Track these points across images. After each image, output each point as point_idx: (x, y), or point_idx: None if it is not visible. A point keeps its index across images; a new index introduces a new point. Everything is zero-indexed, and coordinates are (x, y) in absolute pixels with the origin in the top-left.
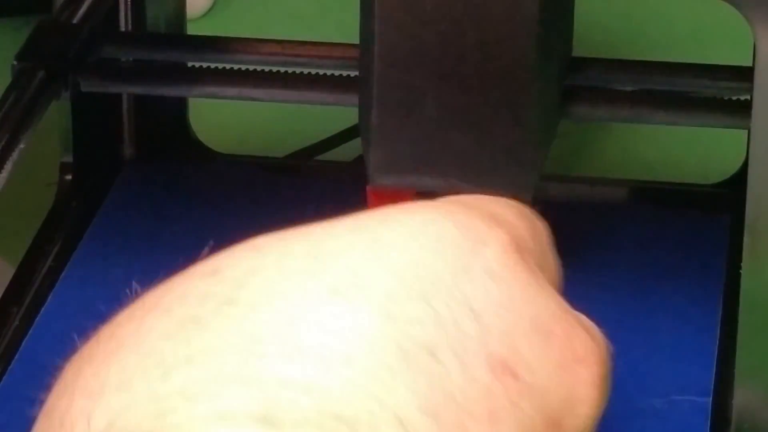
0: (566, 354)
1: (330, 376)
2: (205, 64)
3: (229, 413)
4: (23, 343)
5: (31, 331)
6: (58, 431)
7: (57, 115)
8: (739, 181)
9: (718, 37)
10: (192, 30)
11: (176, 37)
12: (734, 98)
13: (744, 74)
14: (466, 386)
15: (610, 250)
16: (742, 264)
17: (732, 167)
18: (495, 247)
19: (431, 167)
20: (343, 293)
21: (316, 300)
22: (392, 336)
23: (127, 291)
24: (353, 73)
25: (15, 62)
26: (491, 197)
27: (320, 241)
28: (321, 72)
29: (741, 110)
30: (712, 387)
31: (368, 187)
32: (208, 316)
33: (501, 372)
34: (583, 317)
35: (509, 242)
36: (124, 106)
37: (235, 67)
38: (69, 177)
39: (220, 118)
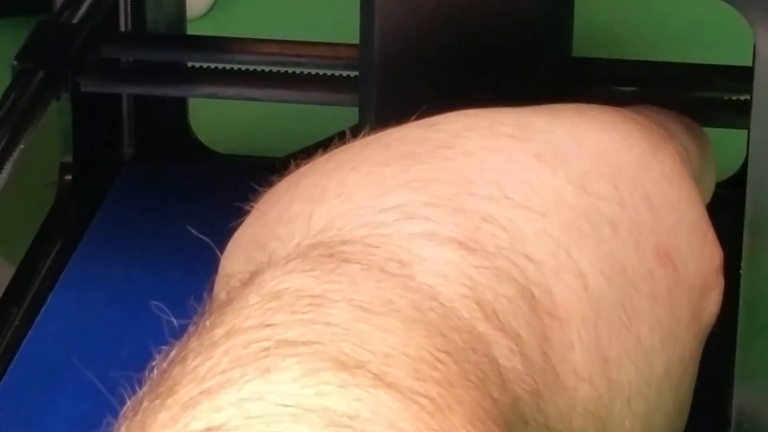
0: (712, 259)
1: (528, 222)
2: (205, 64)
3: (435, 234)
4: (23, 343)
5: (31, 331)
6: (273, 227)
7: (57, 115)
8: (739, 181)
9: (718, 37)
10: (192, 30)
11: (176, 37)
12: (734, 98)
13: (744, 74)
14: (636, 264)
15: None
16: (741, 264)
17: (732, 167)
18: (669, 155)
19: None
20: (546, 161)
21: (522, 160)
22: (584, 205)
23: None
24: (353, 73)
25: (15, 62)
26: (666, 111)
27: (526, 116)
28: (321, 72)
29: (741, 110)
30: (712, 387)
31: None
32: (426, 154)
33: (664, 260)
34: None
35: (678, 154)
36: (124, 106)
37: (235, 67)
38: (69, 177)
39: (220, 118)
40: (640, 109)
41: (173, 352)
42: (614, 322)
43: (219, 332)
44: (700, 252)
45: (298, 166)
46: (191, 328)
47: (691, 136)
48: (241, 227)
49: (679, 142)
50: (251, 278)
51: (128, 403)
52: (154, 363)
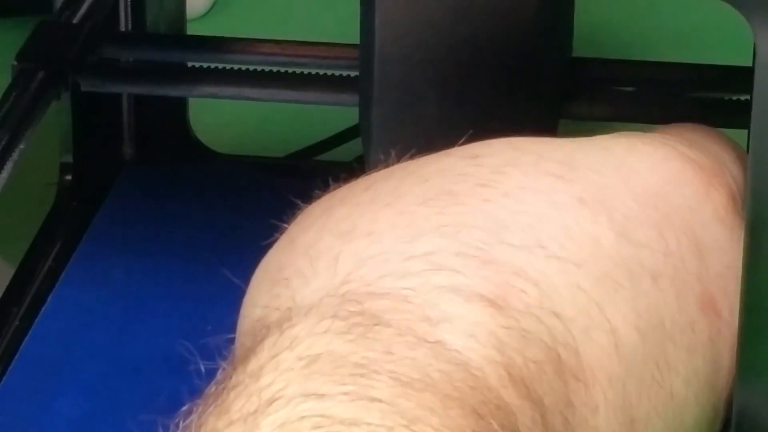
0: None
1: (561, 275)
2: (205, 64)
3: (462, 289)
4: (23, 343)
5: (31, 331)
6: (299, 260)
7: (57, 115)
8: None
9: (718, 37)
10: (192, 30)
11: (176, 37)
12: (734, 98)
13: (744, 74)
14: (675, 316)
15: None
16: (742, 264)
17: None
18: (722, 193)
19: None
20: (589, 205)
21: (563, 204)
22: (624, 255)
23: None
24: (353, 73)
25: (15, 62)
26: (711, 131)
27: (574, 152)
28: (321, 72)
29: (741, 110)
30: None
31: None
32: (463, 193)
33: (707, 310)
34: None
35: (730, 190)
36: (124, 106)
37: (235, 67)
38: (69, 177)
39: (220, 118)
40: (687, 131)
41: (208, 409)
42: (645, 379)
43: (262, 397)
44: None
45: (350, 185)
46: (221, 376)
47: (737, 161)
48: (270, 251)
49: (730, 174)
50: (278, 326)
51: None
52: (182, 417)
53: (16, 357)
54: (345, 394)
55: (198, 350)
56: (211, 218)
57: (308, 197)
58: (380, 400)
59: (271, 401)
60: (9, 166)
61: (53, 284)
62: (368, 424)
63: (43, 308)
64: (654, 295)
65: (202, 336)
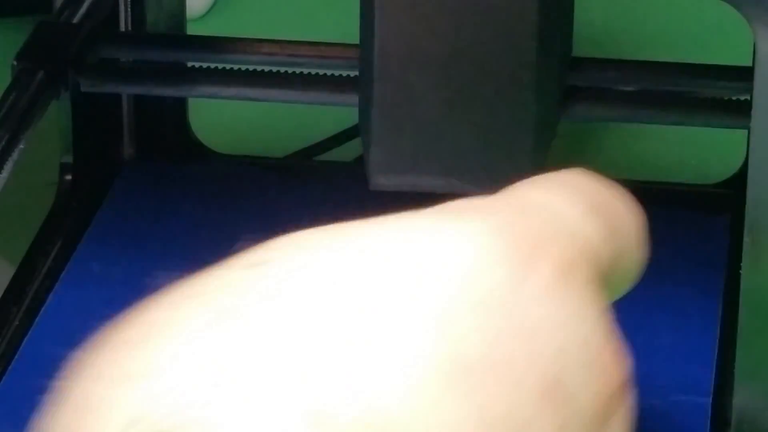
0: (611, 378)
1: (382, 386)
2: (205, 64)
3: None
4: (23, 343)
5: (31, 331)
6: (80, 413)
7: (57, 115)
8: (739, 181)
9: (718, 37)
10: (192, 30)
11: (176, 37)
12: (734, 98)
13: (744, 74)
14: (523, 404)
15: None
16: (742, 264)
17: (732, 167)
18: (548, 266)
19: (431, 167)
20: (399, 305)
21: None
22: (446, 353)
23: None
24: (353, 73)
25: (15, 62)
26: (578, 179)
27: (372, 245)
28: (321, 72)
29: (741, 110)
30: (712, 387)
31: None
32: (245, 314)
33: (552, 392)
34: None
35: (565, 258)
36: (124, 106)
37: (235, 67)
38: (69, 177)
39: (220, 118)
40: (530, 188)
41: None
42: None
43: None
44: (596, 372)
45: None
46: None
47: (602, 217)
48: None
49: (573, 237)
50: None
51: None
52: None
53: (16, 357)
54: None
55: None
56: (211, 218)
57: (308, 197)
58: None
59: None
60: (9, 166)
61: (53, 284)
62: None
63: (43, 308)
64: (490, 387)
65: None
